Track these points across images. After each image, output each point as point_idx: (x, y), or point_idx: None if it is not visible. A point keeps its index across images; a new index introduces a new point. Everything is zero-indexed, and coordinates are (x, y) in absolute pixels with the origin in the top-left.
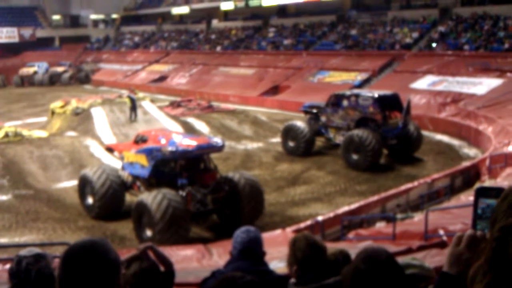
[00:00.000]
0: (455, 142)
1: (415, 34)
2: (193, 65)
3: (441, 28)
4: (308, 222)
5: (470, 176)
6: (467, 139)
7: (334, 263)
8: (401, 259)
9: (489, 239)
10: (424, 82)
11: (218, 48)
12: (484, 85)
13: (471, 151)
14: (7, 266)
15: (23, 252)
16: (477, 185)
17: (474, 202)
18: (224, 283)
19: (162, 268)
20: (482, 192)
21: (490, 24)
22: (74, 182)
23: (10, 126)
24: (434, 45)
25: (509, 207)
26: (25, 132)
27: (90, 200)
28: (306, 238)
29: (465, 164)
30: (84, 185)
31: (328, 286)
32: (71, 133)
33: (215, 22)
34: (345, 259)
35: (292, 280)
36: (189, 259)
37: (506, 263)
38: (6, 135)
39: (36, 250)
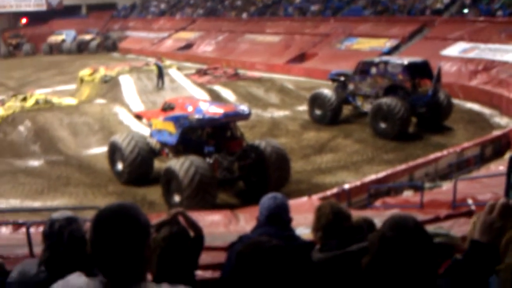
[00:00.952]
0: (486, 110)
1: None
2: (219, 33)
3: None
4: (335, 190)
5: (500, 145)
6: (499, 107)
7: (358, 230)
8: (427, 229)
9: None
10: (455, 49)
11: (244, 15)
12: None
13: (502, 120)
14: (41, 228)
15: (56, 215)
16: (509, 154)
17: (508, 171)
18: (251, 247)
19: (191, 233)
20: None
21: None
22: (104, 149)
23: (40, 94)
24: (465, 10)
25: None
26: (55, 100)
27: (119, 166)
28: (330, 205)
29: (496, 133)
30: (114, 151)
31: (352, 253)
32: (100, 101)
33: None
34: (369, 227)
35: (317, 246)
36: (216, 224)
37: None
38: (37, 102)
39: (68, 213)
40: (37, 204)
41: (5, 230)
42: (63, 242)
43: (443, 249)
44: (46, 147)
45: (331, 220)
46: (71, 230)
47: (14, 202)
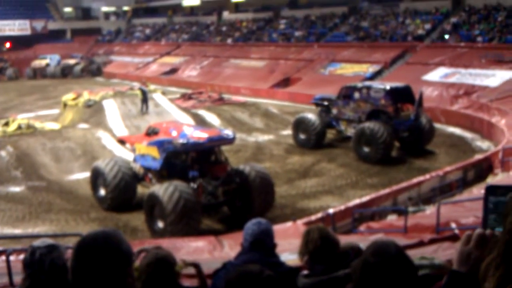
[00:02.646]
0: (467, 134)
1: (428, 26)
2: (204, 57)
3: (454, 20)
4: (319, 215)
5: (482, 169)
6: (480, 131)
7: (345, 256)
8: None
9: (502, 232)
10: (436, 74)
11: (229, 40)
12: (497, 77)
13: (483, 144)
14: (21, 256)
15: (37, 243)
16: (491, 178)
17: (484, 200)
18: (241, 277)
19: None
20: (492, 191)
21: (504, 15)
22: (87, 174)
23: (23, 118)
24: (446, 36)
25: None
26: (38, 124)
27: (102, 192)
28: (319, 230)
29: (478, 157)
30: (97, 177)
31: (338, 279)
32: (83, 125)
33: (226, 14)
34: (356, 254)
35: (303, 272)
36: (200, 251)
37: None
38: (19, 127)
39: (49, 241)
40: (17, 231)
41: None
42: (44, 271)
43: (429, 280)
44: (28, 173)
45: (319, 246)
46: (52, 258)
47: None
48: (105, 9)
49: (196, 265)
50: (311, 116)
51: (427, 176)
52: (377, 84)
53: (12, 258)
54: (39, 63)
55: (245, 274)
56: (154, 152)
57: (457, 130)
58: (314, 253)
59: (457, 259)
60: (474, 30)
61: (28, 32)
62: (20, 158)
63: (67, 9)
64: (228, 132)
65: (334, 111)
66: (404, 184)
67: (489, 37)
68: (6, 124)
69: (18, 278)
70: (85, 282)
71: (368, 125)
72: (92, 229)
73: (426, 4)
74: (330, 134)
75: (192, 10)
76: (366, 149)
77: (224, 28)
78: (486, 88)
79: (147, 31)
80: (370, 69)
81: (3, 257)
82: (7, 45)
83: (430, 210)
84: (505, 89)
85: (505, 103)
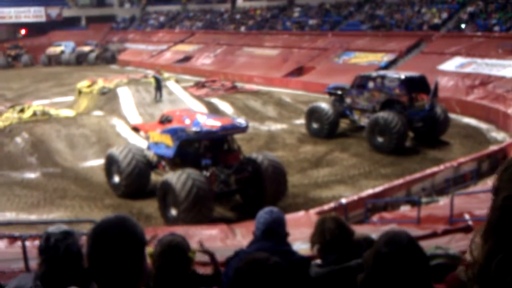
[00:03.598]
0: (482, 125)
1: (444, 15)
2: (218, 46)
3: (470, 9)
4: (332, 205)
5: (497, 160)
6: (495, 122)
7: (357, 246)
8: (425, 250)
9: (492, 208)
10: (452, 64)
11: (243, 28)
12: None
13: (499, 135)
14: (36, 242)
15: (52, 229)
16: None
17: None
18: (249, 263)
19: (210, 271)
20: None
21: None
22: (101, 161)
23: (38, 105)
24: (463, 26)
25: (510, 178)
26: (53, 111)
27: (116, 179)
28: (335, 220)
29: (493, 148)
30: (111, 164)
31: (350, 269)
32: (98, 113)
33: (239, 2)
34: (368, 244)
35: (315, 261)
36: (213, 239)
37: (509, 229)
38: (34, 114)
39: (64, 227)
40: (33, 217)
41: (1, 243)
42: (59, 257)
43: (443, 270)
44: (43, 159)
45: (337, 234)
46: (67, 244)
47: (10, 215)
48: None
49: (210, 253)
50: (325, 105)
51: (441, 167)
52: (391, 74)
53: (27, 243)
54: (54, 50)
55: (252, 262)
56: (168, 140)
57: (472, 121)
58: (330, 242)
59: None
60: (491, 19)
61: (43, 19)
62: (35, 145)
63: None
64: (241, 120)
65: (348, 100)
66: (417, 175)
67: (506, 27)
68: (22, 110)
69: (34, 263)
70: (101, 266)
71: (382, 114)
72: (106, 215)
73: None
74: (344, 124)
75: None
76: (379, 139)
77: (238, 16)
78: (502, 78)
79: (161, 18)
80: (385, 58)
81: (19, 243)
82: (23, 32)
83: (443, 201)
84: None
85: None
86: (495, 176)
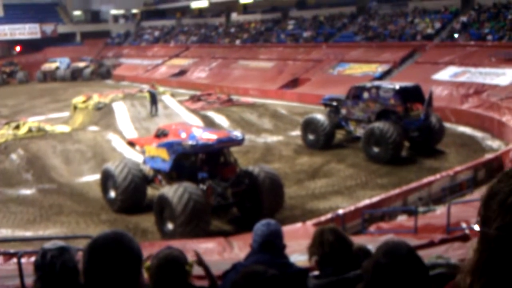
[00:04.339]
0: (478, 134)
1: (437, 25)
2: (213, 59)
3: (463, 18)
4: (329, 215)
5: (493, 168)
6: (490, 131)
7: (355, 258)
8: (426, 259)
9: (482, 240)
10: (446, 73)
11: (238, 42)
12: (507, 75)
13: (494, 143)
14: (32, 258)
15: (48, 245)
16: None
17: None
18: (246, 277)
19: (207, 283)
20: None
21: None
22: (97, 176)
23: (33, 121)
24: (456, 35)
25: (501, 206)
26: (48, 127)
27: (112, 194)
28: (334, 231)
29: (488, 156)
30: (107, 179)
31: (348, 280)
32: (93, 128)
33: (234, 16)
34: (365, 254)
35: (313, 273)
36: (210, 252)
37: (506, 263)
38: (30, 130)
39: (60, 243)
40: (28, 233)
41: None
42: (55, 273)
43: (444, 279)
44: (38, 175)
45: (336, 246)
46: (63, 260)
47: (5, 232)
48: (114, 12)
49: (205, 266)
50: (320, 116)
51: (437, 176)
52: (386, 84)
53: (23, 260)
54: (49, 66)
55: (249, 275)
56: (164, 154)
57: (467, 130)
58: (329, 254)
59: None
60: (484, 28)
61: (38, 35)
62: (31, 161)
63: (77, 13)
64: (237, 133)
65: (343, 111)
66: (414, 184)
67: (499, 36)
68: (17, 127)
69: (29, 280)
70: (98, 283)
71: (378, 125)
72: (102, 231)
73: (435, 3)
74: (339, 135)
75: (201, 12)
76: (375, 149)
77: (232, 30)
78: (496, 87)
79: (156, 33)
80: (379, 69)
81: (15, 259)
82: (18, 48)
83: (440, 210)
84: None
85: None
86: (480, 205)
